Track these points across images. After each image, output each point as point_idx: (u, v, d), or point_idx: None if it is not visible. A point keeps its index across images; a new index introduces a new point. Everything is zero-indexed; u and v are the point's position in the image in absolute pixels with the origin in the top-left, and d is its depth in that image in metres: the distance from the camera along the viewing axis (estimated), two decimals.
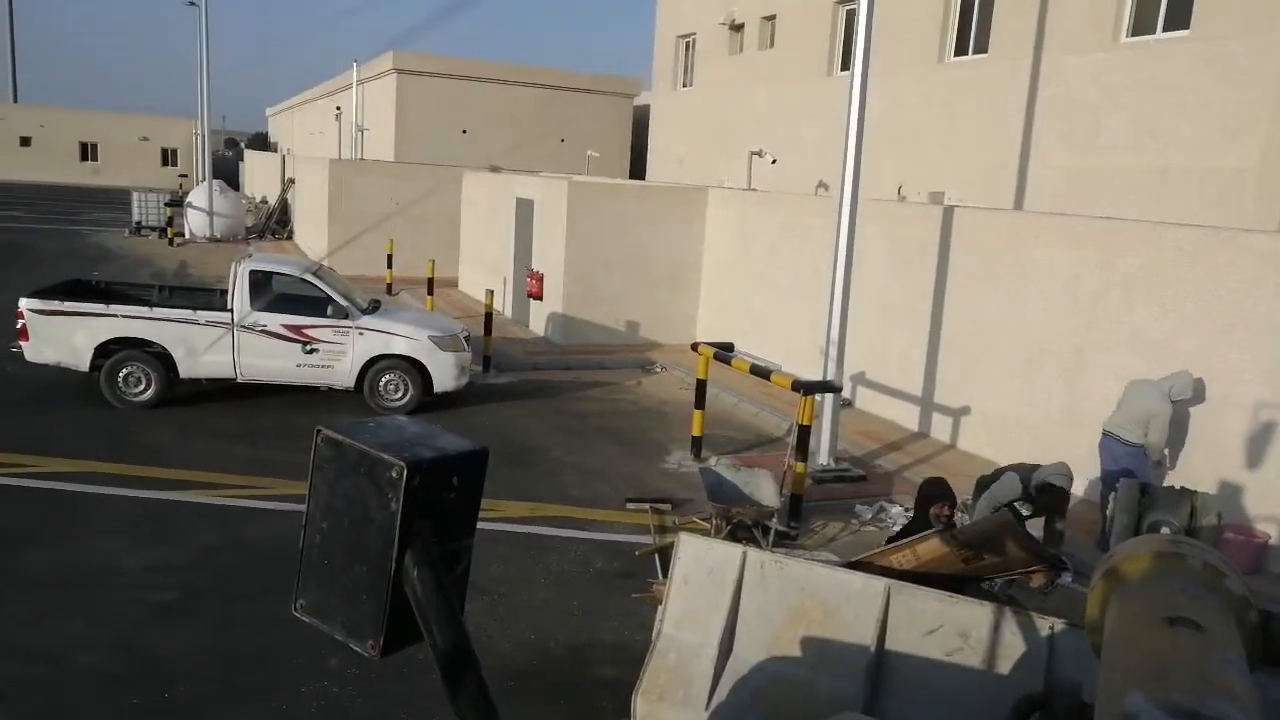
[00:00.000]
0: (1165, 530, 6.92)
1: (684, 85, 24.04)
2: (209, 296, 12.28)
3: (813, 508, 8.66)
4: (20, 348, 10.68)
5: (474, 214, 20.70)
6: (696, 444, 10.34)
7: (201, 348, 10.91)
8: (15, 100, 67.03)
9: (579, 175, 23.30)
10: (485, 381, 13.17)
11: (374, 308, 11.70)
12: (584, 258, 15.50)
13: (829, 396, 9.68)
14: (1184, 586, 1.46)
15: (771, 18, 20.01)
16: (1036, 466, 6.97)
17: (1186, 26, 11.94)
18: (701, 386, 10.42)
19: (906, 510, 8.74)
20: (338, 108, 37.73)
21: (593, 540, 7.93)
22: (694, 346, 10.63)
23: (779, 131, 19.45)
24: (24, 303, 10.63)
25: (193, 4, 31.20)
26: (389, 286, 20.06)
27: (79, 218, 34.83)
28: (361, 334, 11.19)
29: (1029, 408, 9.97)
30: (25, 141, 57.97)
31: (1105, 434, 8.06)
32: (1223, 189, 11.29)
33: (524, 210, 17.23)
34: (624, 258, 15.64)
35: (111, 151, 59.51)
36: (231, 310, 10.96)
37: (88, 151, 59.78)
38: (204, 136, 33.89)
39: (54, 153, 58.22)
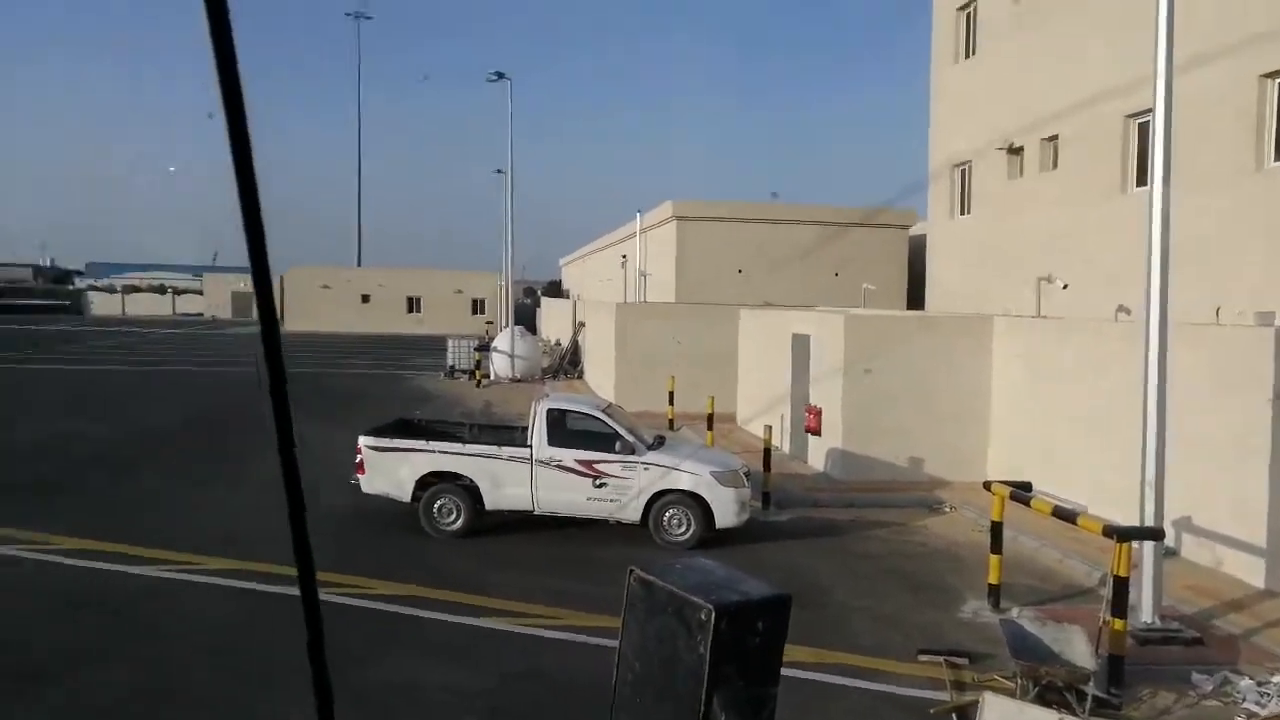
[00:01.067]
0: None
1: (961, 213, 23.53)
2: (511, 434, 13.34)
3: (1137, 672, 7.67)
4: (358, 480, 12.09)
5: (751, 350, 21.12)
6: (994, 592, 9.60)
7: (505, 481, 11.80)
8: (359, 264, 78.26)
9: (855, 308, 23.22)
10: (765, 519, 13.11)
11: (659, 443, 12.15)
12: (863, 391, 15.26)
13: (1149, 544, 8.68)
14: None
15: (1053, 138, 19.27)
16: None
17: None
18: (997, 529, 9.74)
19: (1260, 684, 7.51)
20: (623, 255, 40.49)
21: (882, 693, 7.50)
22: (987, 485, 10.02)
23: (1067, 255, 18.38)
24: (362, 440, 12.10)
25: (500, 172, 35.29)
26: (671, 422, 20.76)
27: (404, 363, 39.43)
28: (647, 469, 11.61)
29: None
30: (365, 299, 67.29)
31: None
32: None
33: (800, 345, 17.37)
34: (905, 390, 15.22)
35: (432, 303, 67.54)
36: (531, 446, 11.82)
37: (413, 304, 68.23)
38: (508, 288, 37.60)
39: (387, 307, 67.06)
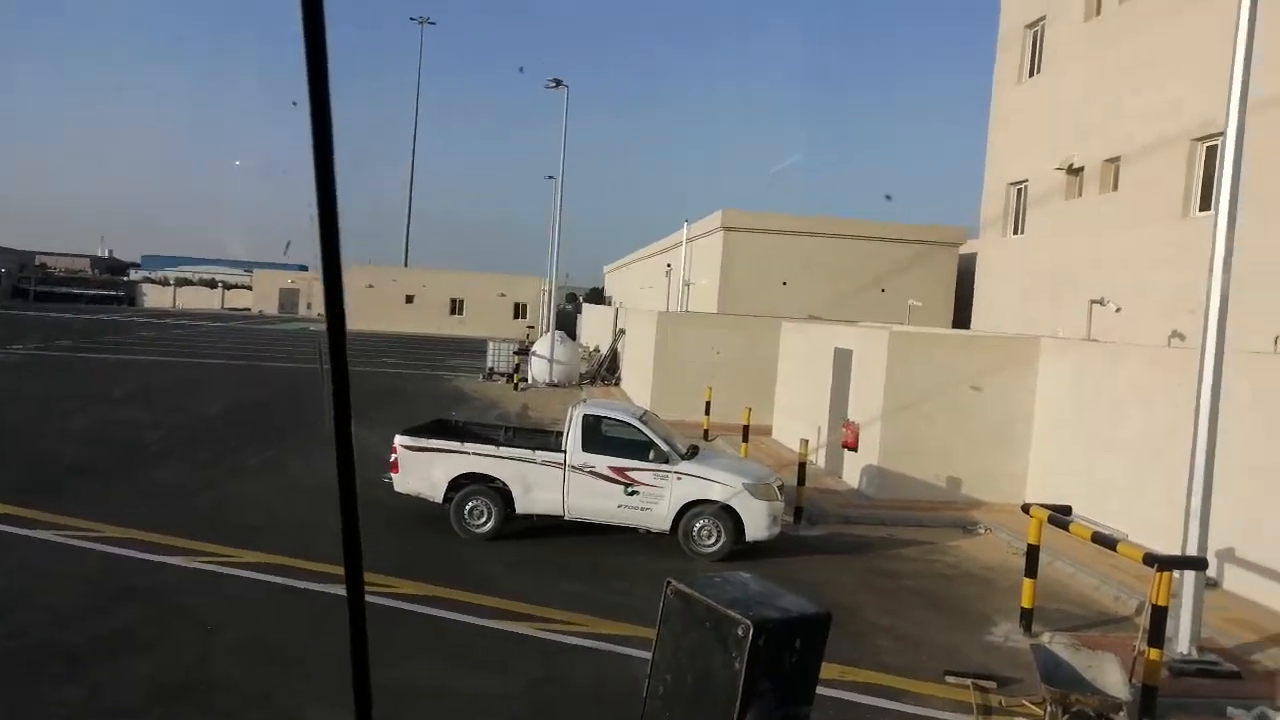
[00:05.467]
0: None
1: (1014, 232, 23.17)
2: (546, 438, 13.34)
3: (1170, 705, 7.45)
4: (391, 479, 12.17)
5: (791, 363, 20.98)
6: (1026, 616, 9.40)
7: (537, 485, 11.81)
8: (406, 265, 79.17)
9: (899, 325, 22.96)
10: (797, 533, 12.98)
11: (692, 453, 12.09)
12: (903, 409, 15.07)
13: (1190, 574, 8.44)
14: None
15: (1115, 160, 18.90)
16: None
17: None
18: (1033, 552, 9.54)
19: None
20: (668, 264, 40.48)
21: (907, 714, 7.36)
22: (1025, 508, 9.82)
23: (1123, 278, 18.00)
24: (398, 439, 12.18)
25: (550, 178, 35.54)
26: (705, 432, 20.68)
27: (443, 364, 39.79)
28: (680, 479, 11.55)
29: None
30: (410, 299, 68.13)
31: None
32: None
33: (842, 360, 17.21)
34: (946, 410, 15.00)
35: (474, 306, 68.21)
36: (565, 451, 11.81)
37: (456, 306, 68.90)
38: (551, 294, 37.80)
39: (430, 308, 67.83)
